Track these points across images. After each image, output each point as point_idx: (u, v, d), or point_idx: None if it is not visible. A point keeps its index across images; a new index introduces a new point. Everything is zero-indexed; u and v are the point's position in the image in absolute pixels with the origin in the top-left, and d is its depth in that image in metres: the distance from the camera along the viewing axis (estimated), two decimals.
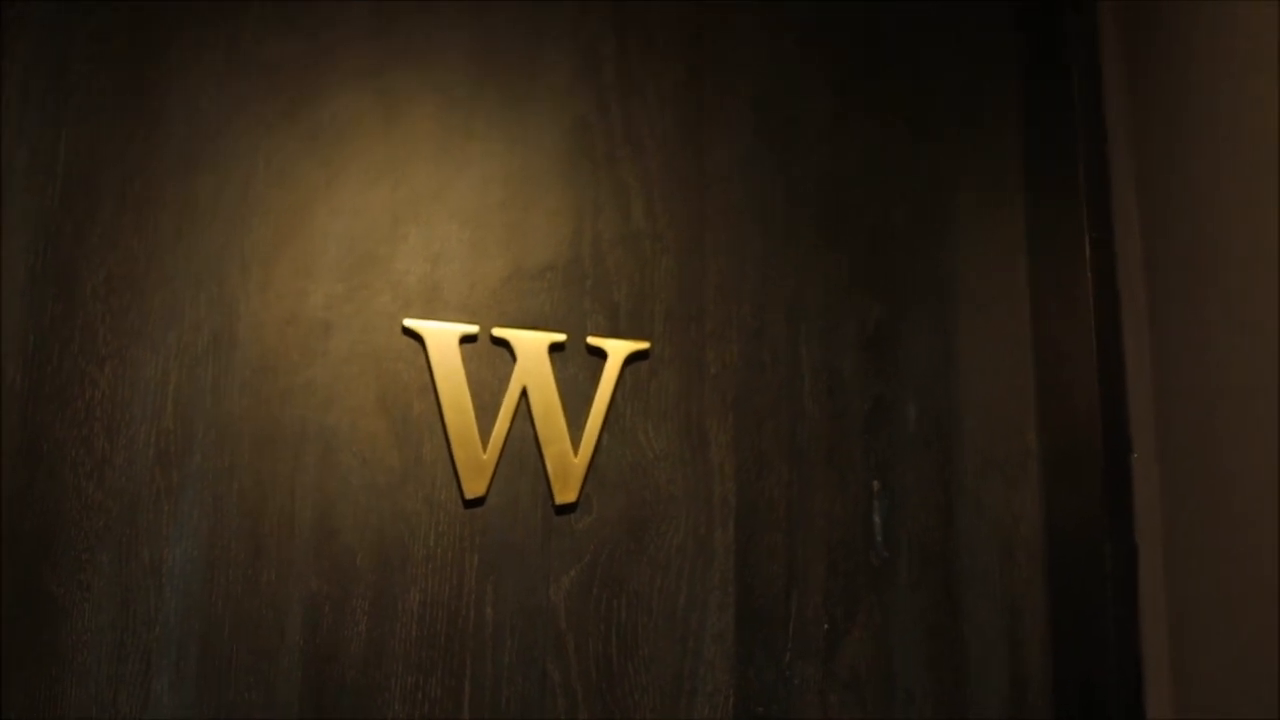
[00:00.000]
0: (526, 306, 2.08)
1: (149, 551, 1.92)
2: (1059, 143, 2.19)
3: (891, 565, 2.09)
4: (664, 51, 2.23)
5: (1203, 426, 1.87)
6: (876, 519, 2.10)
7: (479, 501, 2.01)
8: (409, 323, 2.04)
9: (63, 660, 1.88)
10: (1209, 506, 1.84)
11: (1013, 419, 2.17)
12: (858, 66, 2.29)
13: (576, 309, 2.09)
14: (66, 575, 1.89)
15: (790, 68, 2.26)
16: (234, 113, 2.09)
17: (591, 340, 2.08)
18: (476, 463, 2.01)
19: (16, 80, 2.03)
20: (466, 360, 2.04)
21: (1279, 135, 1.72)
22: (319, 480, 1.98)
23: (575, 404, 2.06)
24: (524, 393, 2.04)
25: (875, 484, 2.11)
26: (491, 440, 2.02)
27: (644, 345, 2.09)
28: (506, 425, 2.03)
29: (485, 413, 2.03)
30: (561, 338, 2.07)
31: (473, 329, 2.05)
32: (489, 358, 2.05)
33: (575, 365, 2.07)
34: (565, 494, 2.02)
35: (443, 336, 2.04)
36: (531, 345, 2.05)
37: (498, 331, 2.05)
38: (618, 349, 2.07)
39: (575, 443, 2.04)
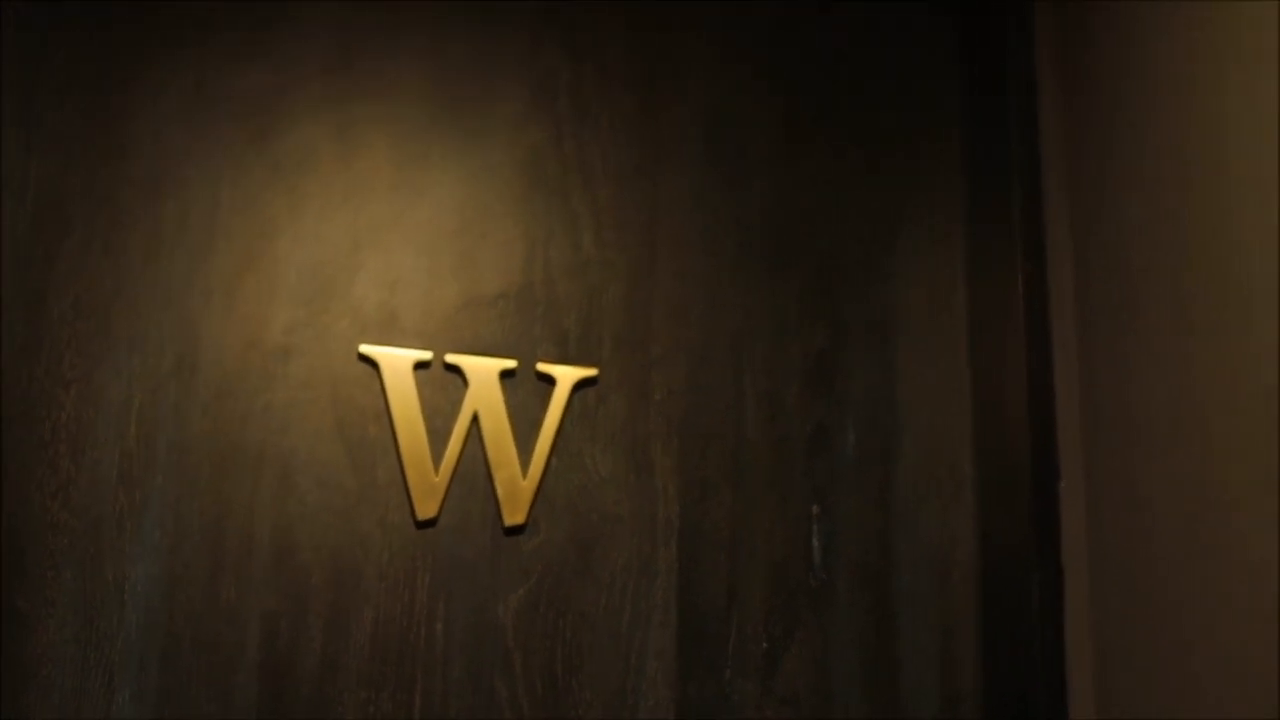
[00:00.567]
0: (479, 333, 2.16)
1: (112, 569, 2.00)
2: (996, 179, 2.26)
3: (830, 586, 2.17)
4: (617, 83, 2.31)
5: (1125, 456, 1.95)
6: (815, 541, 2.18)
7: (431, 523, 2.09)
8: (365, 349, 2.12)
9: (28, 673, 1.95)
10: (1130, 532, 1.92)
11: (949, 446, 2.25)
12: (807, 100, 2.36)
13: (527, 336, 2.17)
14: (32, 591, 1.97)
15: (741, 100, 2.34)
16: (199, 142, 2.17)
17: (541, 367, 2.15)
18: (429, 485, 2.09)
19: None
20: (420, 385, 2.12)
21: (1192, 180, 1.80)
22: (277, 501, 2.06)
23: (525, 428, 2.13)
24: (475, 418, 2.12)
25: (815, 508, 2.19)
26: (443, 463, 2.10)
27: (592, 372, 2.16)
28: (458, 449, 2.10)
29: (438, 437, 2.11)
30: (512, 364, 2.14)
31: (426, 355, 2.13)
32: (442, 383, 2.13)
33: (525, 391, 2.15)
34: (514, 516, 2.10)
35: (397, 362, 2.12)
36: (483, 371, 2.13)
37: (451, 358, 2.13)
38: (566, 375, 2.15)
39: (524, 466, 2.12)
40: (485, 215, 2.21)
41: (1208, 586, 1.72)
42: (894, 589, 2.19)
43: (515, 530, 2.11)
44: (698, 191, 2.28)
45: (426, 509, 2.08)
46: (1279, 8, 1.62)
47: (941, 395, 2.27)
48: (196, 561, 2.02)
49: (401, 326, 2.14)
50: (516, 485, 2.10)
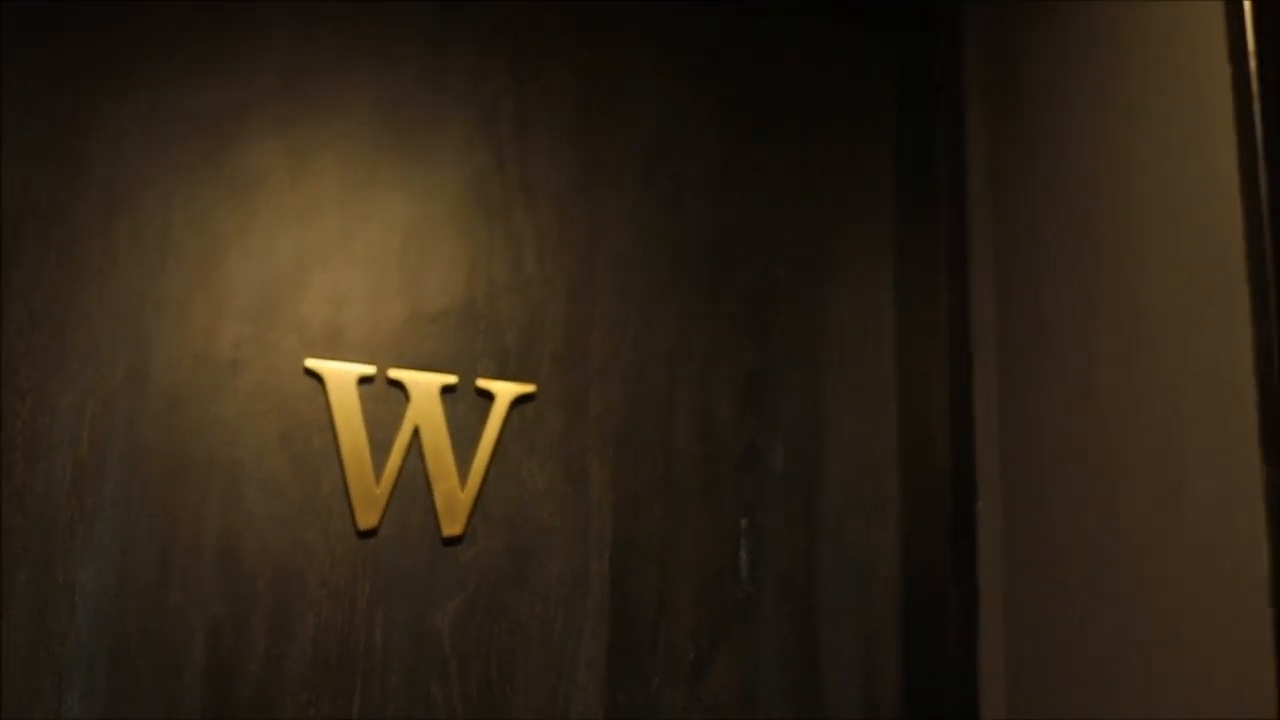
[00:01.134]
0: (422, 349, 2.24)
1: (64, 573, 2.07)
2: (924, 207, 2.35)
3: (756, 598, 2.26)
4: (560, 107, 2.39)
5: (1038, 478, 2.04)
6: (743, 554, 2.26)
7: (372, 533, 2.17)
8: (310, 363, 2.20)
9: None
10: (1041, 550, 2.02)
11: (875, 463, 2.34)
12: (743, 125, 2.46)
13: (469, 352, 2.26)
14: None
15: (679, 125, 2.43)
16: (153, 160, 2.24)
17: (481, 383, 2.24)
18: (370, 496, 2.17)
19: None
20: (364, 399, 2.20)
21: (1101, 215, 1.89)
22: (224, 509, 2.14)
23: (464, 442, 2.22)
24: (416, 431, 2.20)
25: (743, 522, 2.27)
26: (385, 475, 2.18)
27: (530, 389, 2.25)
28: (399, 461, 2.19)
29: (380, 449, 2.19)
30: (453, 379, 2.23)
31: (370, 370, 2.21)
32: (385, 397, 2.21)
33: (466, 405, 2.23)
34: (452, 527, 2.18)
35: (342, 377, 2.20)
36: (425, 386, 2.21)
37: (394, 373, 2.21)
38: (505, 391, 2.24)
39: (463, 478, 2.20)
40: (430, 234, 2.29)
41: (1110, 602, 1.82)
42: (818, 600, 2.28)
43: (453, 541, 2.19)
44: (636, 214, 2.37)
45: (368, 519, 2.16)
46: (1183, 55, 1.71)
47: (868, 415, 2.36)
48: (145, 566, 2.10)
49: (347, 342, 2.22)
50: (455, 497, 2.19)
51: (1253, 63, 1.56)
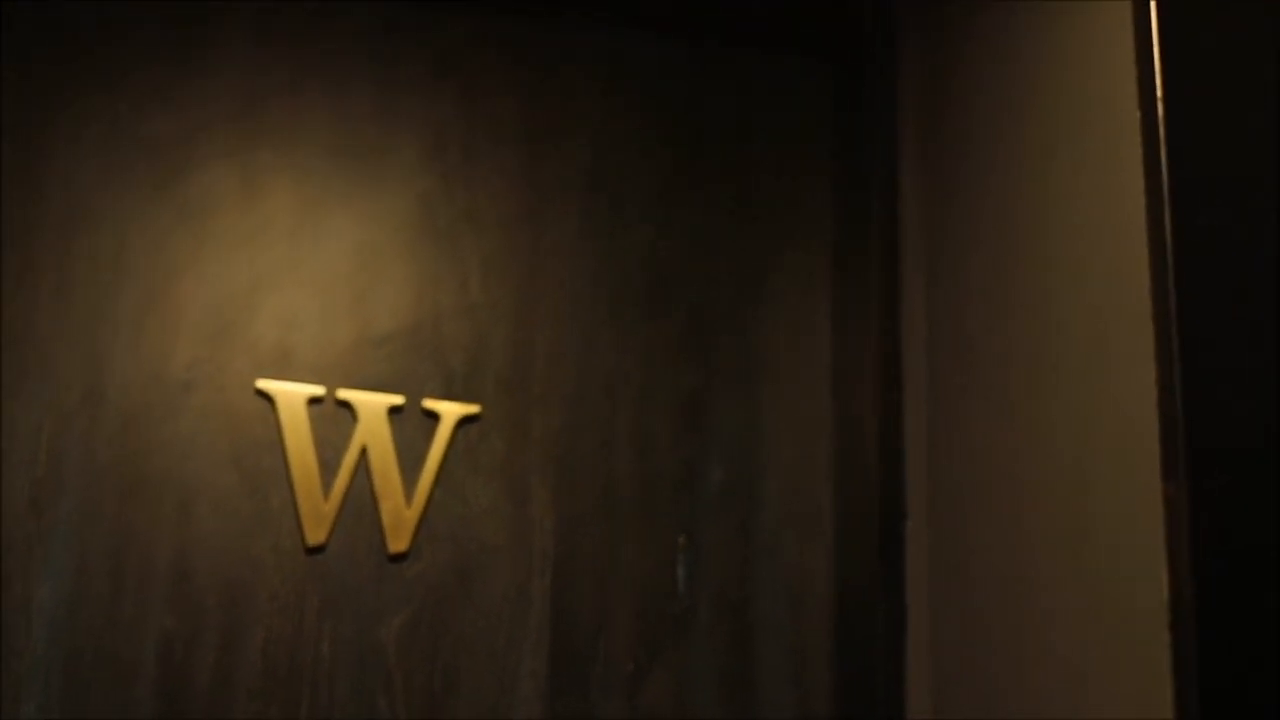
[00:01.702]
0: (370, 371, 2.31)
1: (21, 588, 2.14)
2: (859, 235, 2.43)
3: (692, 613, 2.33)
4: (506, 135, 2.47)
5: (962, 501, 2.12)
6: (680, 571, 2.34)
7: (320, 549, 2.24)
8: (261, 384, 2.27)
9: None
10: (964, 570, 2.09)
11: (809, 483, 2.42)
12: (684, 152, 2.54)
13: (415, 374, 2.33)
14: None
15: (621, 153, 2.51)
16: (109, 184, 2.31)
17: (427, 404, 2.31)
18: (318, 514, 2.24)
19: None
20: (313, 420, 2.27)
21: (1017, 250, 1.96)
22: (177, 526, 2.21)
23: (410, 461, 2.29)
24: (364, 451, 2.27)
25: (681, 539, 2.34)
26: (333, 494, 2.25)
27: (475, 409, 2.32)
28: (347, 480, 2.26)
29: (328, 468, 2.26)
30: (400, 400, 2.30)
31: (319, 391, 2.28)
32: (334, 418, 2.28)
33: (412, 426, 2.30)
34: (398, 544, 2.25)
35: (292, 398, 2.26)
36: (372, 407, 2.28)
37: (342, 394, 2.28)
38: (451, 412, 2.31)
39: (409, 497, 2.27)
40: (379, 259, 2.36)
41: (1022, 623, 1.89)
42: (753, 615, 2.35)
43: (399, 557, 2.26)
44: (579, 239, 2.44)
45: (316, 536, 2.23)
46: (1094, 100, 1.79)
47: (803, 436, 2.44)
48: (100, 582, 2.16)
49: (297, 363, 2.29)
50: (401, 515, 2.25)
51: (1160, 109, 1.63)
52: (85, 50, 2.36)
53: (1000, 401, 2.03)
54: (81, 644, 2.14)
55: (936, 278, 2.29)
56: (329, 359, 2.31)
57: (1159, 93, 1.65)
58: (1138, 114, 1.68)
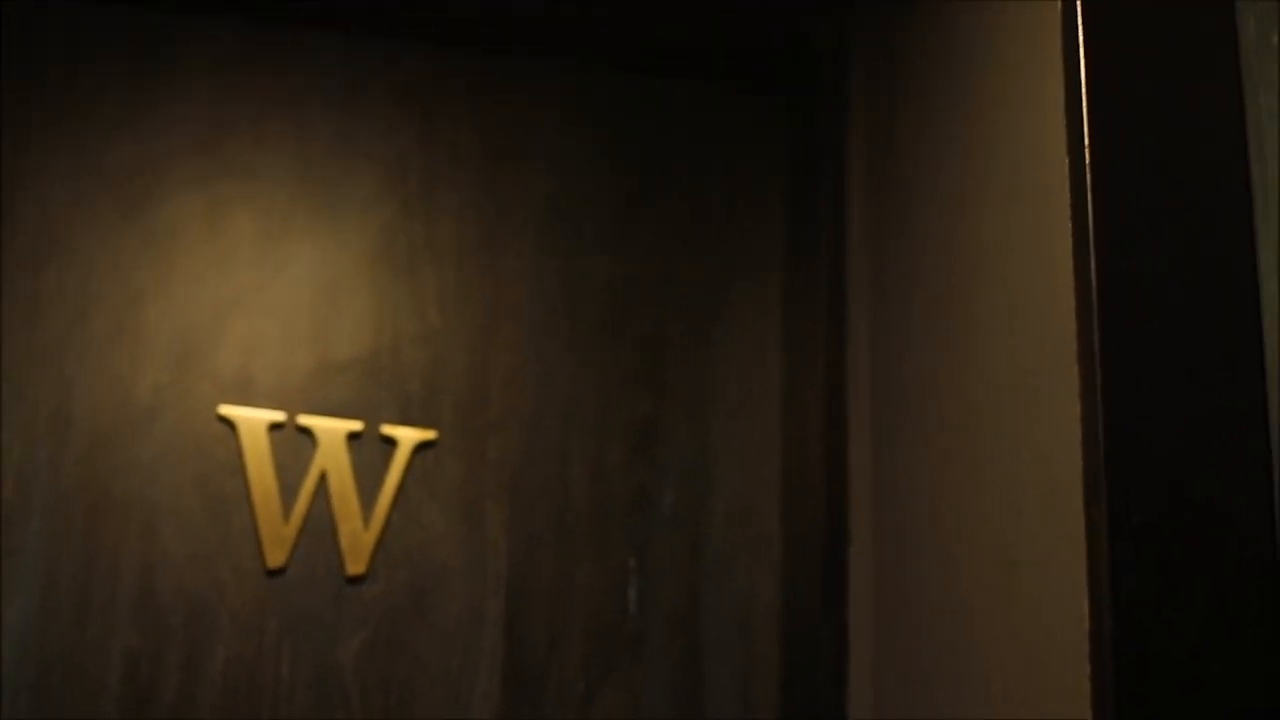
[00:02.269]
0: (330, 397, 2.37)
1: None
2: (810, 267, 2.49)
3: (643, 633, 2.40)
4: (465, 165, 2.53)
5: (903, 529, 2.18)
6: (632, 592, 2.40)
7: (280, 571, 2.30)
8: (224, 410, 2.33)
9: None
10: (904, 595, 2.15)
11: (758, 507, 2.49)
12: (640, 182, 2.61)
13: (374, 400, 2.39)
14: None
15: (578, 183, 2.58)
16: (78, 213, 2.37)
17: (385, 429, 2.37)
18: (279, 537, 2.30)
19: None
20: (274, 445, 2.33)
21: (953, 289, 2.03)
22: (141, 548, 2.27)
23: (369, 486, 2.35)
24: (323, 475, 2.33)
25: (632, 561, 2.40)
26: (293, 517, 2.31)
27: (431, 435, 2.38)
28: (306, 504, 2.32)
29: (288, 492, 2.33)
30: (359, 426, 2.36)
31: (280, 417, 2.34)
32: (294, 443, 2.34)
33: (370, 451, 2.36)
34: (356, 566, 2.32)
35: (253, 423, 2.32)
36: (332, 433, 2.34)
37: (302, 420, 2.34)
38: (408, 437, 2.37)
39: (367, 521, 2.33)
40: (339, 287, 2.42)
41: (954, 651, 1.96)
42: (702, 636, 2.41)
43: (357, 580, 2.32)
44: (536, 268, 2.51)
45: (276, 558, 2.29)
46: (1023, 151, 1.85)
47: (752, 462, 2.50)
48: (67, 601, 2.23)
49: (258, 389, 2.35)
50: (359, 538, 2.31)
51: (1088, 157, 1.69)
52: (55, 78, 2.42)
53: (937, 433, 2.09)
54: (48, 662, 2.20)
55: (882, 312, 2.35)
56: (290, 385, 2.37)
57: (1087, 141, 1.70)
58: (1066, 165, 1.74)
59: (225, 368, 2.36)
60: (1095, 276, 1.65)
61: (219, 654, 2.26)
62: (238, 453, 2.33)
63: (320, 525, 2.34)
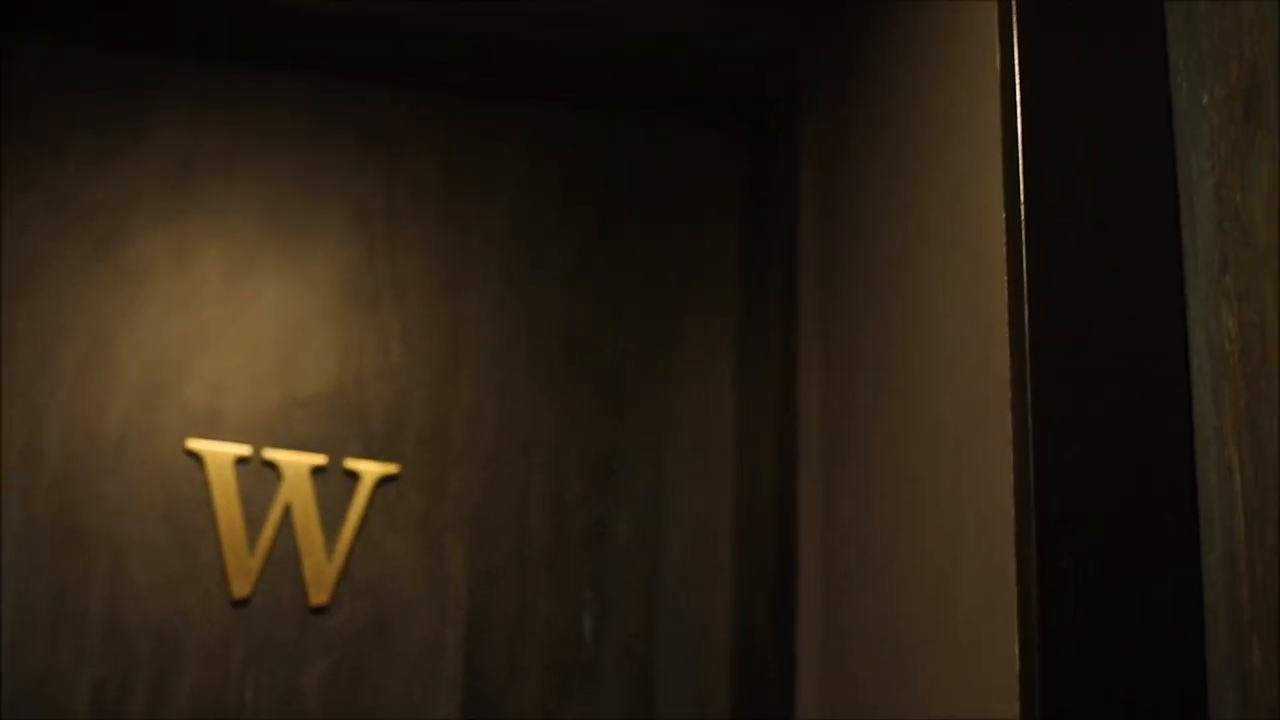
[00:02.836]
0: (295, 431, 2.43)
1: None
2: (763, 304, 2.56)
3: (599, 662, 2.46)
4: (428, 205, 2.60)
5: (848, 561, 2.24)
6: (588, 622, 2.46)
7: (245, 601, 2.37)
8: (191, 444, 2.39)
9: None
10: (851, 625, 2.21)
11: (711, 540, 2.55)
12: (598, 220, 2.68)
13: (338, 435, 2.45)
14: None
15: (538, 224, 2.64)
16: (49, 249, 2.44)
17: (348, 464, 2.43)
18: (244, 568, 2.35)
19: None
20: (240, 478, 2.39)
21: (894, 330, 2.09)
22: (110, 578, 2.33)
23: (332, 518, 2.42)
24: (288, 508, 2.39)
25: (588, 592, 2.46)
26: (258, 549, 2.37)
27: (394, 469, 2.44)
28: (271, 536, 2.38)
29: (254, 524, 2.39)
30: (323, 460, 2.42)
31: (246, 451, 2.40)
32: (259, 476, 2.40)
33: (334, 484, 2.43)
34: (319, 597, 2.38)
35: (220, 457, 2.38)
36: (296, 467, 2.40)
37: (268, 454, 2.40)
38: (371, 471, 2.43)
39: (330, 552, 2.40)
40: (305, 324, 2.48)
41: (894, 686, 2.01)
42: (656, 664, 2.48)
43: (320, 610, 2.39)
44: (496, 306, 2.57)
45: (242, 589, 2.35)
46: (963, 197, 1.91)
47: (706, 495, 2.57)
48: (37, 629, 2.29)
49: (225, 424, 2.41)
50: (322, 569, 2.37)
51: (1023, 211, 1.75)
52: (28, 117, 2.48)
53: (881, 469, 2.15)
54: (19, 688, 2.26)
55: (831, 349, 2.41)
56: (256, 420, 2.43)
57: (1022, 197, 1.76)
58: (1003, 214, 1.79)
59: (193, 402, 2.42)
60: (1028, 327, 1.70)
61: (185, 682, 2.32)
62: (205, 485, 2.39)
63: (285, 556, 2.40)
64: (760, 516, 2.47)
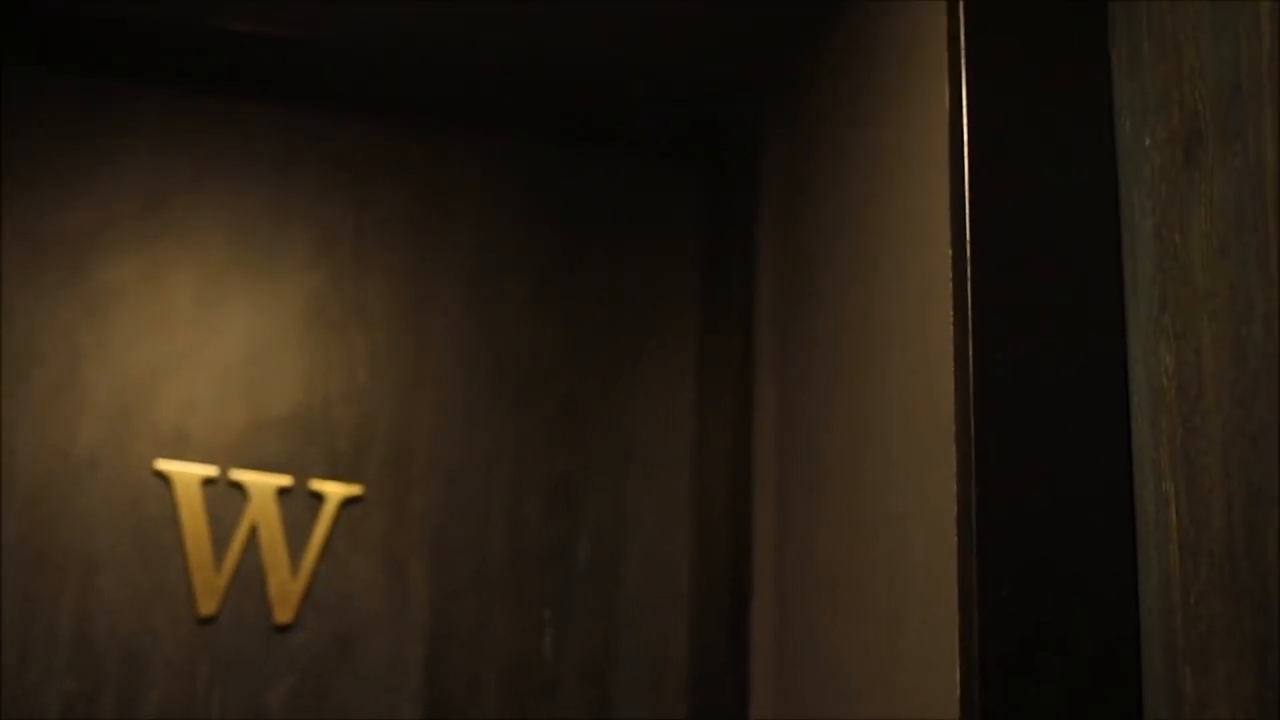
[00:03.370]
0: (262, 452, 2.47)
1: None
2: (722, 332, 2.60)
3: (558, 681, 2.50)
4: (394, 231, 2.65)
5: (802, 585, 2.28)
6: (547, 641, 2.51)
7: (212, 619, 2.41)
8: (160, 465, 2.44)
9: None
10: (803, 645, 2.26)
11: (669, 561, 2.60)
12: (560, 248, 2.73)
13: (304, 456, 2.49)
14: None
15: (502, 250, 2.69)
16: (20, 273, 2.49)
17: (314, 484, 2.47)
18: (211, 587, 2.40)
19: None
20: (207, 498, 2.43)
21: (849, 362, 2.13)
22: (79, 596, 2.37)
23: (297, 538, 2.46)
24: (254, 528, 2.42)
25: (547, 612, 2.50)
26: (224, 568, 2.42)
27: (358, 490, 2.49)
28: (237, 555, 2.42)
29: (220, 544, 2.43)
30: (289, 481, 2.46)
31: (214, 472, 2.44)
32: (226, 497, 2.44)
33: (299, 505, 2.47)
34: (284, 615, 2.42)
35: (187, 478, 2.42)
36: (262, 487, 2.44)
37: (234, 475, 2.45)
38: (335, 492, 2.47)
39: (295, 571, 2.44)
40: (272, 348, 2.53)
41: (846, 701, 2.06)
42: (613, 684, 2.53)
43: (285, 628, 2.43)
44: (461, 331, 2.62)
45: (208, 606, 2.40)
46: (904, 237, 1.95)
47: (665, 518, 2.62)
48: (7, 647, 2.34)
49: (193, 445, 2.45)
50: (287, 588, 2.41)
51: (969, 249, 1.79)
52: (1, 141, 2.49)
53: (833, 497, 2.20)
54: None
55: (786, 378, 2.45)
56: (223, 442, 2.47)
57: (969, 235, 1.80)
58: (949, 252, 1.83)
59: (162, 424, 2.46)
60: (973, 363, 1.75)
61: (152, 698, 2.36)
62: (173, 506, 2.43)
63: (250, 575, 2.44)
64: (717, 539, 2.51)
